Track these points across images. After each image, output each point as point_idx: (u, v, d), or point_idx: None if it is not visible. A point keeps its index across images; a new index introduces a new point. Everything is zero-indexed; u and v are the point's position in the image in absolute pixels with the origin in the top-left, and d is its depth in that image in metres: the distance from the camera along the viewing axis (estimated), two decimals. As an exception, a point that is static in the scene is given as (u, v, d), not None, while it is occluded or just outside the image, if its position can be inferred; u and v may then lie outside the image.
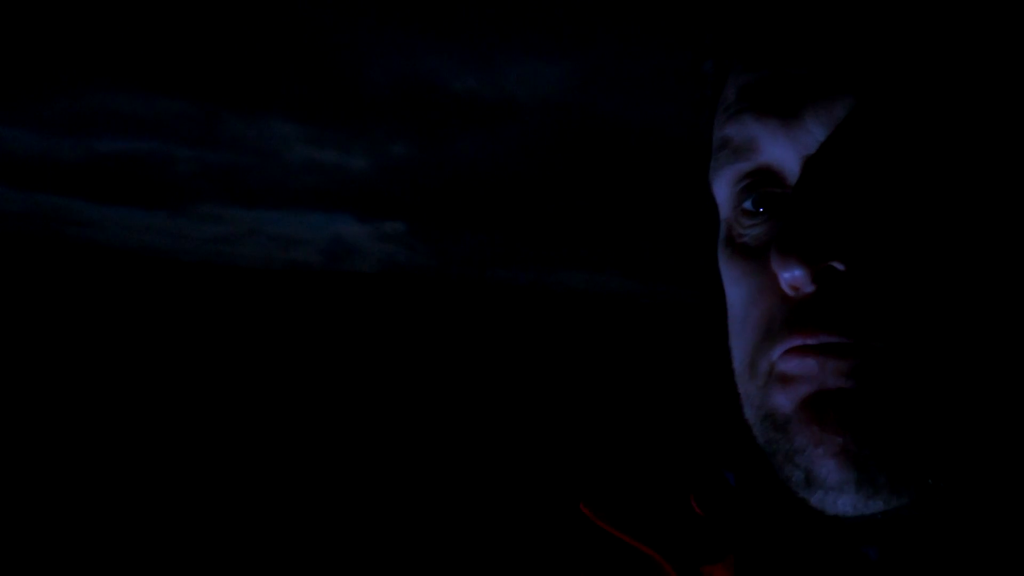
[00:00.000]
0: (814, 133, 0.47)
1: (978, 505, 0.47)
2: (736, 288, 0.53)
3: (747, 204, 0.51)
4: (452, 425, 7.31)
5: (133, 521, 4.15)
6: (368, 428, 7.03)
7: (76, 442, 5.59)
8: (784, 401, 0.47)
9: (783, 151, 0.49)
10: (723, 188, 0.53)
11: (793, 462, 0.46)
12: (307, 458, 5.78)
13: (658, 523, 0.57)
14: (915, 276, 0.45)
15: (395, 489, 5.18)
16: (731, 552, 0.54)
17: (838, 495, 0.45)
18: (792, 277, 0.45)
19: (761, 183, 0.51)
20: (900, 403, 0.44)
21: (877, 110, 0.46)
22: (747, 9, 0.52)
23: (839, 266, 0.45)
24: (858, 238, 0.45)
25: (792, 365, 0.46)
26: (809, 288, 0.45)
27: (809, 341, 0.45)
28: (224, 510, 4.52)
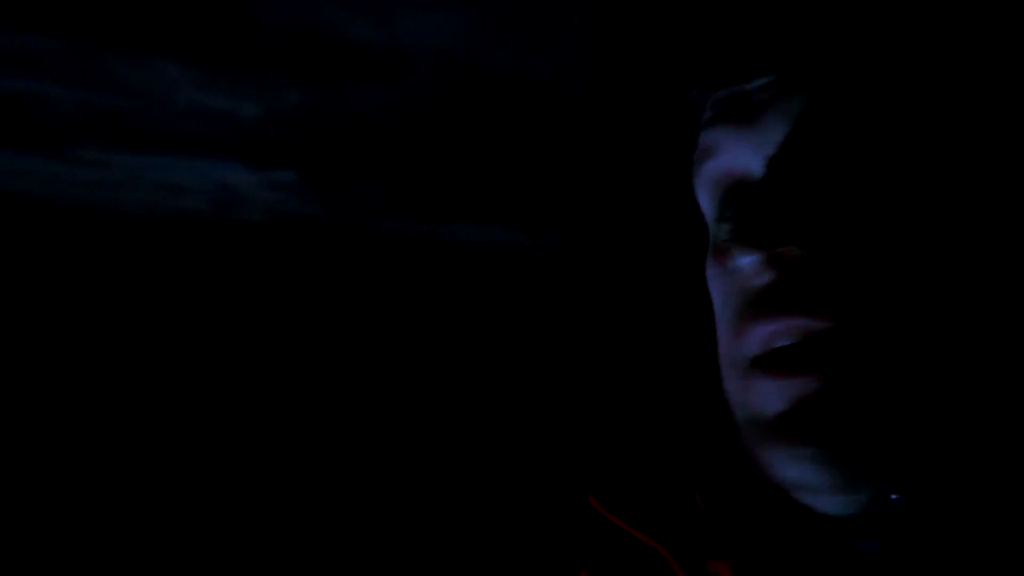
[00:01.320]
0: (775, 134, 0.49)
1: (977, 498, 0.46)
2: (712, 291, 0.54)
3: (727, 213, 0.52)
4: (337, 379, 7.29)
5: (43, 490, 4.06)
6: (255, 381, 6.97)
7: None
8: (763, 405, 0.48)
9: (747, 154, 0.50)
10: (703, 197, 0.56)
11: (776, 466, 0.47)
12: (196, 412, 5.73)
13: (664, 517, 0.58)
14: (874, 254, 0.45)
15: (275, 443, 5.15)
16: (735, 548, 0.54)
17: (824, 497, 0.46)
18: (745, 264, 0.47)
19: (734, 189, 0.52)
20: (873, 400, 0.44)
21: (826, 102, 0.47)
22: (718, 32, 0.53)
23: (794, 250, 0.46)
24: (810, 221, 0.46)
25: (767, 383, 0.47)
26: (765, 277, 0.47)
27: (772, 326, 0.46)
28: (117, 469, 4.46)
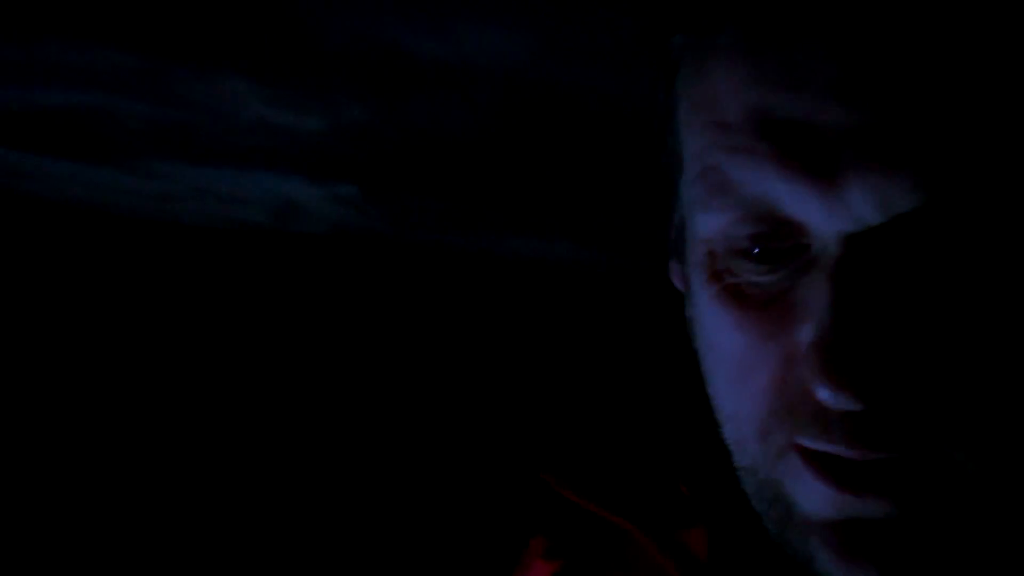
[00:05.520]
0: (856, 208, 0.39)
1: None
2: (729, 334, 0.46)
3: (748, 245, 0.44)
4: (399, 392, 7.28)
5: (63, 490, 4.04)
6: (314, 392, 6.98)
7: (11, 401, 5.49)
8: (811, 508, 0.44)
9: (813, 215, 0.41)
10: (713, 223, 0.46)
11: (815, 563, 0.44)
12: (251, 424, 5.72)
13: (628, 494, 0.55)
14: (970, 401, 0.40)
15: (336, 454, 5.12)
16: (710, 519, 0.52)
17: None
18: (838, 402, 0.40)
19: (774, 237, 0.43)
20: (933, 537, 0.41)
21: (951, 206, 0.37)
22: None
23: (894, 395, 0.40)
24: (922, 374, 0.39)
25: (819, 485, 0.43)
26: (842, 405, 0.41)
27: (846, 454, 0.41)
28: (157, 471, 4.45)
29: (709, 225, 0.46)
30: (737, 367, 0.46)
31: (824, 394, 0.40)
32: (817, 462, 0.42)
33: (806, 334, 0.41)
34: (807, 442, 0.43)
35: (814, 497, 0.43)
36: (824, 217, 0.40)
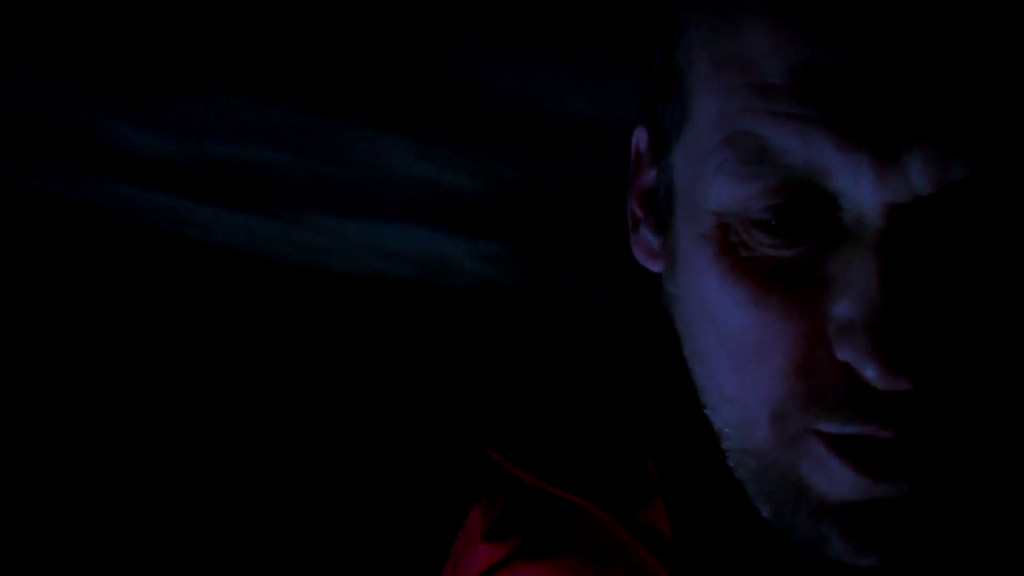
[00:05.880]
0: (913, 178, 0.37)
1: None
2: (743, 312, 0.43)
3: (767, 217, 0.40)
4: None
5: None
6: (450, 440, 6.98)
7: (167, 431, 5.68)
8: (830, 491, 0.42)
9: (863, 186, 0.38)
10: (737, 192, 0.42)
11: (822, 544, 0.42)
12: (388, 472, 5.75)
13: (584, 470, 0.53)
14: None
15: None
16: (669, 495, 0.50)
17: (847, 564, 0.42)
18: (889, 383, 0.38)
19: (800, 207, 0.40)
20: (952, 516, 0.42)
21: (997, 178, 0.36)
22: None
23: (942, 375, 0.39)
24: (962, 353, 0.39)
25: (846, 470, 0.40)
26: (886, 385, 0.39)
27: (878, 434, 0.40)
28: (297, 526, 4.46)
29: (730, 194, 0.42)
30: (749, 346, 0.43)
31: (873, 374, 0.38)
32: (841, 447, 0.41)
33: (844, 311, 0.39)
34: (830, 428, 0.41)
35: (836, 481, 0.41)
36: (875, 188, 0.38)
